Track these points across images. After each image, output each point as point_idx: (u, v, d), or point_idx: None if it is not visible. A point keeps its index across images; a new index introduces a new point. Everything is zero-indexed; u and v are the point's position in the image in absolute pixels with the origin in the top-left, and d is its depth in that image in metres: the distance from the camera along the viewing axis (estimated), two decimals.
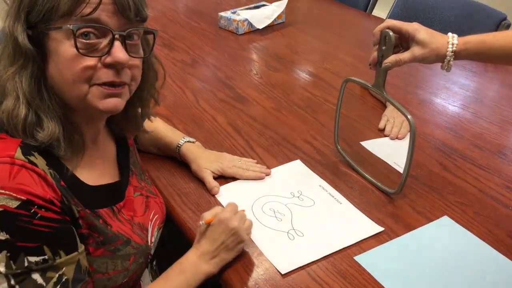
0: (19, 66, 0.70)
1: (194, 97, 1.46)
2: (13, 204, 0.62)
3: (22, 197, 0.63)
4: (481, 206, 1.03)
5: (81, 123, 0.77)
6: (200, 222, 0.88)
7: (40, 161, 0.68)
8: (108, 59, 0.71)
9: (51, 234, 0.66)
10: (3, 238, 0.62)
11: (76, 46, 0.69)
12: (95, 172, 0.80)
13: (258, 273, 0.87)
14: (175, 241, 1.10)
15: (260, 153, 1.19)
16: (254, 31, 1.95)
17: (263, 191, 1.06)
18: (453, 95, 1.49)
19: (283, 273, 0.87)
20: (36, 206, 0.64)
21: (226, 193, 1.05)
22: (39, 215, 0.64)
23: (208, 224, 0.87)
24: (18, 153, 0.66)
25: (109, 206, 0.80)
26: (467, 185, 1.09)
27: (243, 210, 0.93)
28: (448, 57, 0.94)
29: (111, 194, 0.82)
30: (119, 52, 0.71)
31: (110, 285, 0.78)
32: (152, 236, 0.89)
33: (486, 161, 1.18)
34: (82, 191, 0.75)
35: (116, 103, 0.74)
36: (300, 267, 0.88)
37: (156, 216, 0.92)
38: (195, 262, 0.85)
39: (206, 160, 1.09)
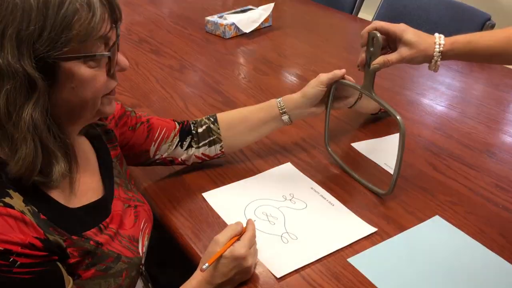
0: (33, 104, 0.65)
1: (183, 102, 1.45)
2: None
3: None
4: (472, 205, 1.04)
5: (70, 140, 0.75)
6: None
7: (16, 199, 0.65)
8: (117, 69, 0.73)
9: (34, 280, 0.64)
10: None
11: (109, 70, 0.72)
12: (77, 192, 0.77)
13: (252, 278, 0.87)
14: (164, 247, 1.09)
15: (251, 157, 1.19)
16: (241, 35, 1.95)
17: (255, 195, 1.06)
18: (440, 95, 1.50)
19: (278, 276, 0.87)
20: (14, 255, 0.62)
21: (218, 198, 1.05)
22: (18, 263, 0.62)
23: (220, 256, 0.82)
24: None
25: (95, 226, 0.77)
26: (458, 185, 1.10)
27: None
28: (435, 58, 0.95)
29: (96, 213, 0.80)
30: (124, 59, 0.74)
31: None
32: (143, 247, 0.87)
33: (475, 160, 1.19)
34: (65, 217, 0.72)
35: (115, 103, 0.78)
36: (294, 271, 0.88)
37: (146, 225, 0.90)
38: None
39: None
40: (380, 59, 0.97)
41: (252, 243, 0.86)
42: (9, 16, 0.62)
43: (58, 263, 0.68)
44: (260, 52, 1.83)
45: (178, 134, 1.06)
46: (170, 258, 1.13)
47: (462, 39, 0.95)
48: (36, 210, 0.67)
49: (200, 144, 1.08)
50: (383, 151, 1.20)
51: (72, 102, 0.70)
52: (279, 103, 1.10)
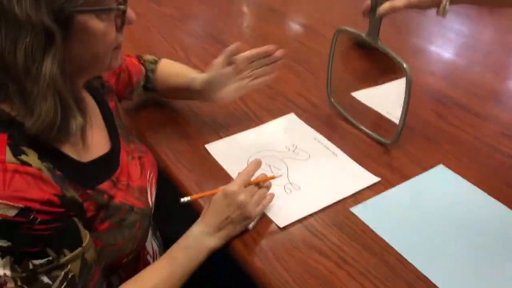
0: (52, 58, 0.63)
1: (185, 53, 1.43)
2: (11, 212, 0.61)
3: (20, 205, 0.61)
4: (476, 154, 1.03)
5: (80, 92, 0.75)
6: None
7: (32, 156, 0.65)
8: (125, 22, 0.72)
9: (53, 236, 0.65)
10: (5, 245, 0.61)
11: (122, 24, 0.71)
12: (88, 145, 0.77)
13: (256, 228, 0.87)
14: (170, 200, 1.10)
15: (254, 107, 1.18)
16: None
17: (258, 146, 1.05)
18: (448, 42, 1.47)
19: (281, 226, 0.87)
20: (35, 212, 0.62)
21: (221, 149, 1.04)
22: (38, 219, 0.63)
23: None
24: (8, 156, 0.63)
25: (108, 178, 0.78)
26: (463, 133, 1.09)
27: (260, 183, 0.89)
28: (444, 2, 0.92)
29: (107, 165, 0.80)
30: (131, 12, 0.73)
31: (119, 255, 0.78)
32: (152, 196, 0.88)
33: (482, 109, 1.17)
34: (79, 172, 0.73)
35: None
36: (297, 220, 0.88)
37: (151, 174, 0.91)
38: (199, 237, 0.83)
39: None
40: (386, 5, 0.93)
41: (245, 182, 0.86)
42: None
43: (75, 218, 0.69)
44: (263, 1, 1.78)
45: (144, 79, 1.11)
46: (174, 209, 1.15)
47: None
48: (52, 166, 0.67)
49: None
50: (384, 99, 1.18)
51: (83, 56, 0.69)
52: (193, 76, 1.07)
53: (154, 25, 1.60)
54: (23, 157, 0.64)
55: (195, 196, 0.88)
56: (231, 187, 0.85)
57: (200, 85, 1.05)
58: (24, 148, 0.65)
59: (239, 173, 0.88)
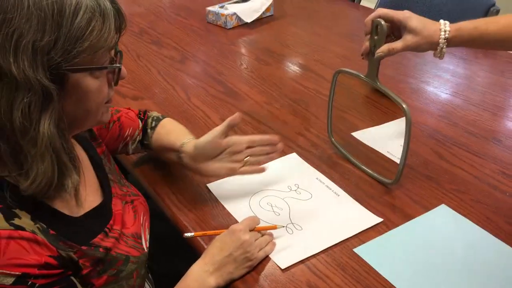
0: (49, 117, 0.62)
1: (185, 93, 1.44)
2: (9, 281, 0.60)
3: (17, 272, 0.60)
4: (478, 193, 1.03)
5: (75, 149, 0.73)
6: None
7: (24, 219, 0.63)
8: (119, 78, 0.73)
9: None
10: None
11: (115, 81, 0.72)
12: (79, 199, 0.75)
13: (257, 269, 0.86)
14: (169, 238, 1.09)
15: None
16: (242, 25, 1.94)
17: (260, 186, 1.05)
18: (444, 83, 1.49)
19: (283, 268, 0.86)
20: (32, 277, 0.61)
21: (223, 188, 1.04)
22: (37, 285, 0.62)
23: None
24: (1, 221, 0.61)
25: (101, 231, 0.76)
26: (463, 173, 1.09)
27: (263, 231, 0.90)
28: (441, 45, 0.94)
29: (100, 217, 0.79)
30: (123, 68, 0.74)
31: None
32: (146, 241, 0.87)
33: (481, 148, 1.18)
34: (72, 228, 0.72)
35: None
36: (299, 261, 0.87)
37: (144, 218, 0.90)
38: (199, 277, 0.81)
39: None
40: (384, 47, 0.96)
41: (251, 226, 0.87)
42: (24, 25, 0.60)
43: (72, 278, 0.68)
44: (262, 42, 1.82)
45: (140, 134, 1.07)
46: (175, 249, 1.13)
47: (468, 25, 0.94)
48: (45, 226, 0.66)
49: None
50: (383, 139, 1.19)
51: (76, 113, 0.69)
52: (186, 140, 1.00)
53: (155, 66, 1.62)
54: (16, 220, 0.62)
55: (198, 233, 0.89)
56: (238, 226, 0.86)
57: (192, 148, 0.97)
58: (16, 211, 0.63)
59: (247, 217, 0.89)
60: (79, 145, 0.85)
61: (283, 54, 1.72)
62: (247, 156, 0.99)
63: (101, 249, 0.74)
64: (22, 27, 0.60)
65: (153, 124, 1.07)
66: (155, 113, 1.10)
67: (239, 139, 0.98)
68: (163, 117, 1.09)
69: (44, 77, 0.61)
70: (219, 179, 1.06)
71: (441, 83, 1.49)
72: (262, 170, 1.00)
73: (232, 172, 0.99)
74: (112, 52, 0.71)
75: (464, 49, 1.68)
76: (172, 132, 1.05)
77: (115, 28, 0.68)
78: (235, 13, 1.90)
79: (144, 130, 1.07)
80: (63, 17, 0.61)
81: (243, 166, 0.98)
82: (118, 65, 0.71)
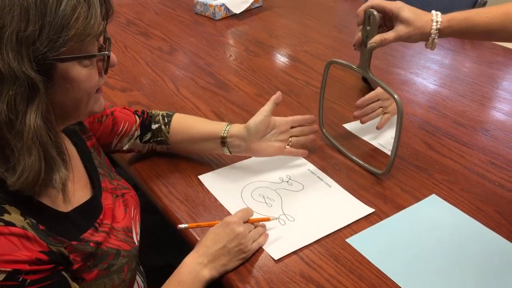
0: (35, 109, 0.61)
1: (174, 85, 1.43)
2: (0, 277, 0.59)
3: (7, 269, 0.59)
4: (467, 183, 1.04)
5: (64, 143, 0.71)
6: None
7: (14, 214, 0.62)
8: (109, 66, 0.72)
9: None
10: None
11: (105, 69, 0.70)
12: (69, 194, 0.73)
13: (251, 260, 0.86)
14: (161, 230, 1.08)
15: None
16: (231, 16, 1.93)
17: (252, 177, 1.05)
18: (433, 74, 1.50)
19: (276, 258, 0.86)
20: (23, 273, 0.60)
21: (215, 180, 1.04)
22: (28, 281, 0.61)
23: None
24: None
25: (91, 226, 0.75)
26: (453, 163, 1.10)
27: (257, 223, 0.91)
28: (432, 35, 0.94)
29: (90, 211, 0.78)
30: (113, 55, 0.72)
31: None
32: (137, 234, 0.86)
33: (470, 138, 1.19)
34: (62, 223, 0.71)
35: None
36: (292, 252, 0.87)
37: (135, 211, 0.89)
38: (192, 269, 0.81)
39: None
40: (377, 38, 0.96)
41: (245, 218, 0.88)
42: (7, 15, 0.58)
43: (64, 273, 0.67)
44: (251, 33, 1.81)
45: (138, 129, 1.05)
46: (166, 242, 1.13)
47: (459, 16, 0.94)
48: (35, 222, 0.65)
49: (152, 141, 1.06)
50: (374, 130, 1.19)
51: (65, 103, 0.68)
52: (226, 126, 1.03)
53: (143, 57, 1.61)
54: (6, 216, 0.61)
55: (192, 224, 0.90)
56: (232, 218, 0.86)
57: (242, 131, 1.01)
58: (6, 206, 0.62)
59: (242, 209, 0.90)
60: (68, 138, 0.83)
61: (272, 45, 1.72)
62: (291, 136, 1.06)
63: (91, 244, 0.73)
64: (4, 18, 0.58)
65: (166, 120, 1.06)
66: (158, 111, 1.09)
67: (284, 119, 1.05)
68: (173, 113, 1.08)
69: (29, 68, 0.59)
70: (211, 172, 1.05)
71: (430, 74, 1.50)
72: (305, 153, 1.08)
73: (279, 151, 1.05)
74: (101, 39, 0.69)
75: (452, 40, 1.69)
76: (199, 123, 1.08)
77: (101, 15, 0.67)
78: (223, 4, 1.89)
79: (155, 128, 1.05)
80: (46, 5, 0.60)
81: (288, 145, 1.06)
82: (106, 52, 0.70)
